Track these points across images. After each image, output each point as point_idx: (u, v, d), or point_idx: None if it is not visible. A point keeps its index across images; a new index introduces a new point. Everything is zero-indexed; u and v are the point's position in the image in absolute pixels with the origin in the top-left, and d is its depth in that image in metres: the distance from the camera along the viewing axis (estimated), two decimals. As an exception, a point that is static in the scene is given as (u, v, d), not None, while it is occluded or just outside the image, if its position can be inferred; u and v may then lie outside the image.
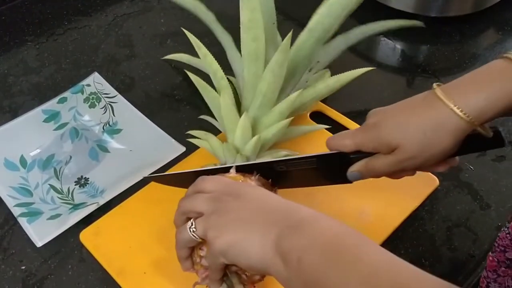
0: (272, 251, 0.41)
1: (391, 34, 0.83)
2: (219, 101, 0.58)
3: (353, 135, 0.50)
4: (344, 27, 0.61)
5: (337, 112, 0.71)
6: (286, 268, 0.40)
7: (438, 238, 0.59)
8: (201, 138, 0.61)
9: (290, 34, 0.55)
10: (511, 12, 0.88)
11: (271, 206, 0.44)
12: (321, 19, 0.58)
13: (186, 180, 0.54)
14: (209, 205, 0.46)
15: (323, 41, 0.61)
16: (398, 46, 0.83)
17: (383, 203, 0.61)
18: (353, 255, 0.38)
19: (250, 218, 0.43)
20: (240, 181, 0.52)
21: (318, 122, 0.69)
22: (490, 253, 0.49)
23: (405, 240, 0.59)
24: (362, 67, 0.75)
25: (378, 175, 0.50)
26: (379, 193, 0.61)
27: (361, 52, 0.82)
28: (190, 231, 0.46)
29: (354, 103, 0.73)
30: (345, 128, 0.69)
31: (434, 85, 0.46)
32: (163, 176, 0.59)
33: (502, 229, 0.47)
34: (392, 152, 0.47)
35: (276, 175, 0.54)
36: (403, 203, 0.61)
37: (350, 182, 0.52)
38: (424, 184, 0.63)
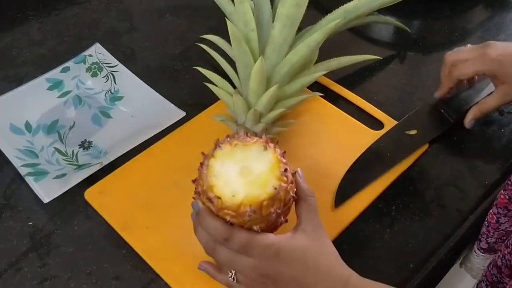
0: None
1: (383, 8, 0.86)
2: (250, 58, 0.58)
3: (473, 64, 0.63)
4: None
5: (331, 81, 0.73)
6: None
7: (428, 195, 0.62)
8: (224, 89, 0.61)
9: (339, 20, 0.58)
10: (500, -11, 0.91)
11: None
12: (360, 4, 0.61)
13: None
14: (251, 278, 0.47)
15: (349, 25, 0.64)
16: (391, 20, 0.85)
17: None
18: None
19: None
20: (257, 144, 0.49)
21: (313, 90, 0.71)
22: (501, 191, 0.54)
23: (396, 198, 0.61)
24: (354, 41, 0.78)
25: (488, 113, 0.65)
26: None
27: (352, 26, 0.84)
28: (231, 279, 0.49)
29: (348, 73, 0.75)
30: (339, 95, 0.72)
31: None
32: None
33: None
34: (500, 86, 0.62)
35: None
36: (394, 163, 0.64)
37: None
38: (414, 147, 0.66)
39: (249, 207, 0.45)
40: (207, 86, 0.62)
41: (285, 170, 0.47)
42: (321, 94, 0.68)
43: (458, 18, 0.87)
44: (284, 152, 0.50)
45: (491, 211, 0.57)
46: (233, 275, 0.48)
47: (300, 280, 0.46)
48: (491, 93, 0.65)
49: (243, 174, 0.47)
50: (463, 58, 0.64)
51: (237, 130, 0.60)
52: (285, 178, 0.47)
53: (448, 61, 0.65)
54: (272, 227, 0.49)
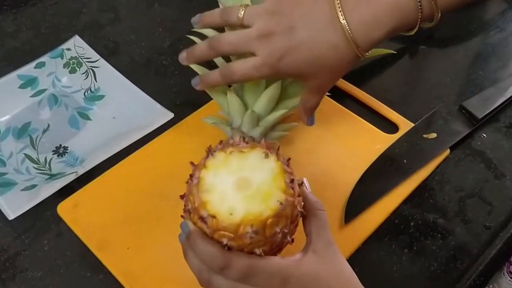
0: None
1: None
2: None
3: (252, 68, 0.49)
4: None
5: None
6: None
7: (450, 209, 0.54)
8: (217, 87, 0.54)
9: None
10: (520, -22, 0.83)
11: None
12: None
13: None
14: None
15: None
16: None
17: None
18: None
19: None
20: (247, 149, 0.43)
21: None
22: None
23: (414, 212, 0.54)
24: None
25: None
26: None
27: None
28: None
29: (355, 69, 0.68)
30: (347, 94, 0.64)
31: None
32: None
33: None
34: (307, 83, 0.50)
35: None
36: (411, 172, 0.57)
37: None
38: (433, 152, 0.58)
39: (250, 227, 0.37)
40: (198, 84, 0.55)
41: (291, 181, 0.40)
42: (328, 94, 0.60)
43: (475, 9, 0.79)
44: (289, 159, 0.42)
45: None
46: None
47: None
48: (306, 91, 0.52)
49: (241, 186, 0.39)
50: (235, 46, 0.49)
51: (232, 135, 0.53)
52: (291, 191, 0.39)
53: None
54: (276, 249, 0.41)
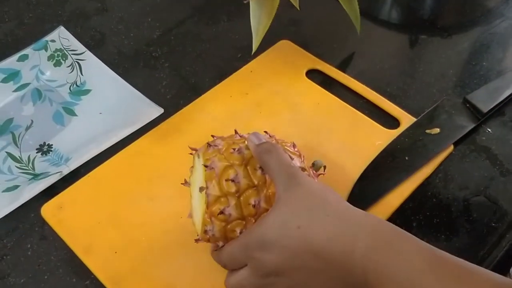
0: None
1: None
2: None
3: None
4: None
5: (335, 69, 0.62)
6: None
7: (455, 208, 0.52)
8: None
9: None
10: (526, -37, 0.80)
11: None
12: None
13: None
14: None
15: None
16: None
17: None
18: None
19: None
20: None
21: (315, 81, 0.61)
22: None
23: (417, 212, 0.51)
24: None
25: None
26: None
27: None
28: None
29: (353, 60, 0.65)
30: (345, 87, 0.61)
31: None
32: None
33: None
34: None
35: None
36: (413, 169, 0.54)
37: None
38: (436, 148, 0.56)
39: (205, 227, 0.40)
40: (189, 77, 0.52)
41: (206, 166, 0.40)
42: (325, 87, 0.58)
43: (478, -4, 0.76)
44: (233, 132, 0.44)
45: None
46: None
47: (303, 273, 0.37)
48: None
49: (200, 196, 0.42)
50: None
51: None
52: (211, 172, 0.40)
53: None
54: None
